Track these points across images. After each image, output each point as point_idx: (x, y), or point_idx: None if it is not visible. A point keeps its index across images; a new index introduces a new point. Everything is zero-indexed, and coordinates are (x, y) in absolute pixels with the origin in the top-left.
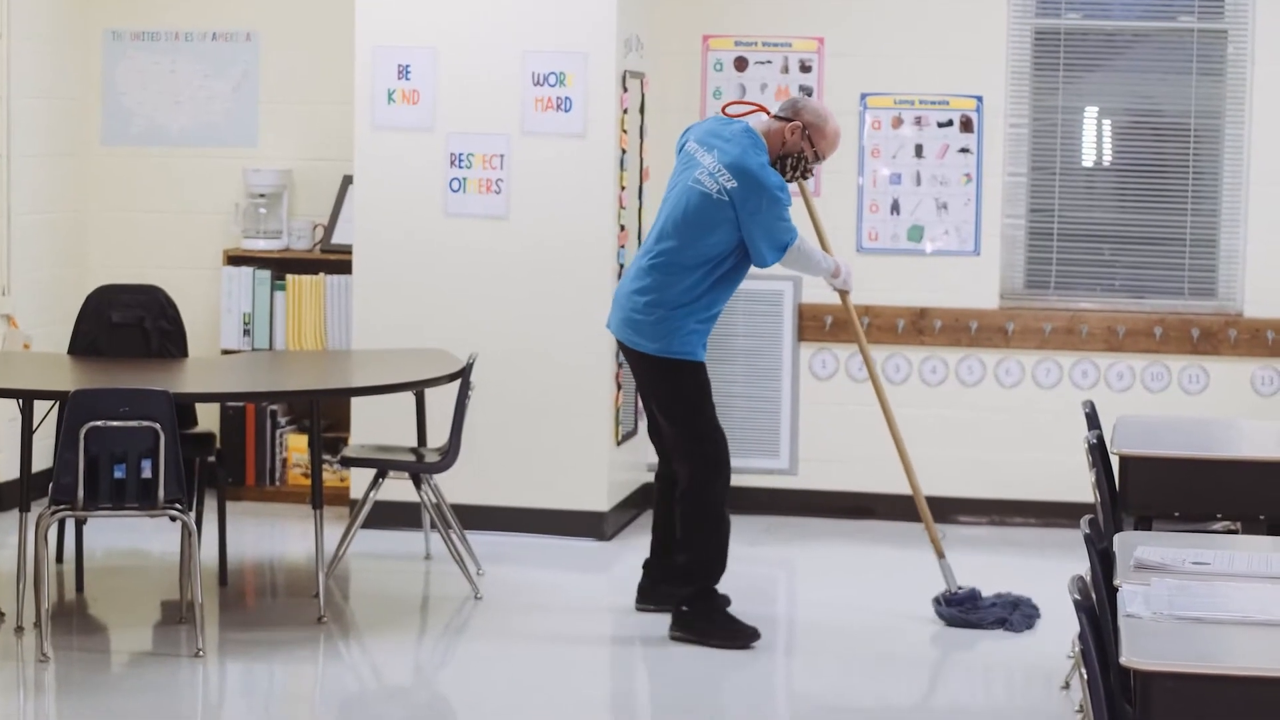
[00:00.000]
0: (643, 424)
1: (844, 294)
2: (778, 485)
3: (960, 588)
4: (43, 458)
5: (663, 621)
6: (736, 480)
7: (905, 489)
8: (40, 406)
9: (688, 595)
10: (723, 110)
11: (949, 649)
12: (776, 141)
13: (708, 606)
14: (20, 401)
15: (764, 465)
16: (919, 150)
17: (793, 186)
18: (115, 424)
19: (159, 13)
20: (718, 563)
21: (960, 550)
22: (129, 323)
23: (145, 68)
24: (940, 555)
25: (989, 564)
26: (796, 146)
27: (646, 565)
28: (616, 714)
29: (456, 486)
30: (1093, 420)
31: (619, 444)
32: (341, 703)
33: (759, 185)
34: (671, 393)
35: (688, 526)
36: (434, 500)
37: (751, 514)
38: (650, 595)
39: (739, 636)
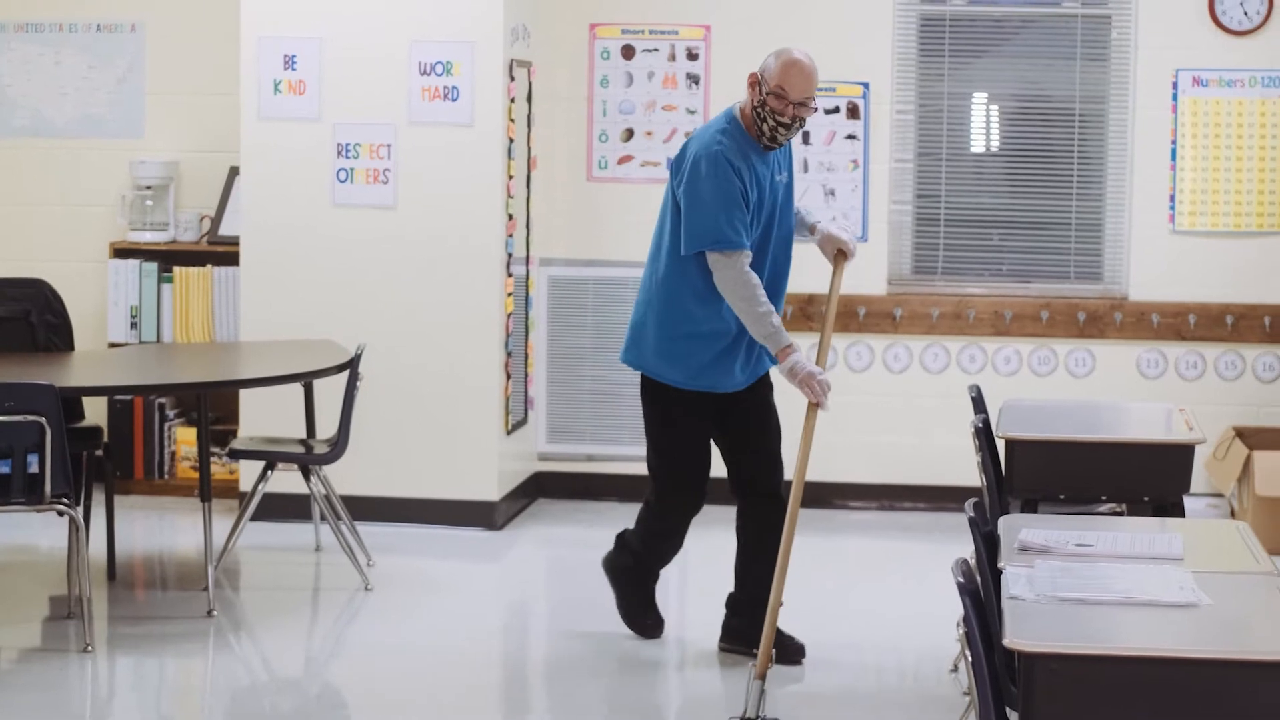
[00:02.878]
0: (533, 413)
1: (811, 405)
2: None
3: (762, 716)
4: None
5: (551, 611)
6: (629, 468)
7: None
8: None
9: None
10: None
11: (838, 634)
12: (749, 107)
13: (638, 582)
14: None
15: None
16: (805, 137)
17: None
18: (0, 419)
19: (43, 4)
20: (655, 560)
21: (850, 535)
22: (14, 316)
23: (29, 59)
24: (759, 676)
25: (878, 549)
26: (758, 100)
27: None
28: (508, 703)
29: (346, 477)
30: (979, 404)
31: (509, 433)
32: (232, 695)
33: (686, 156)
34: (643, 408)
35: (637, 525)
36: (323, 491)
37: (640, 501)
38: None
39: (642, 622)
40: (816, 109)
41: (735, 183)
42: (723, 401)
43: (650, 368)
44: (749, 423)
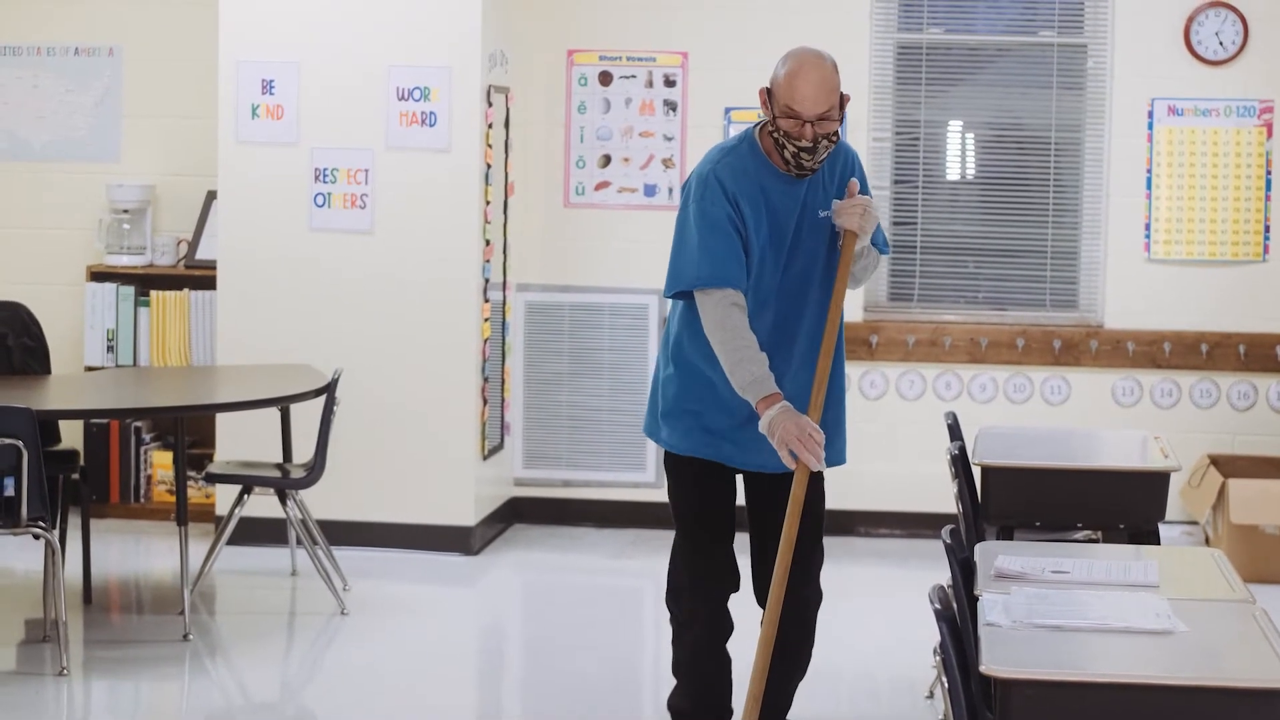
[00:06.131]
0: (509, 438)
1: (801, 470)
2: (643, 498)
3: None
4: None
5: (527, 636)
6: (603, 494)
7: None
8: None
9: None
10: None
11: (814, 659)
12: (767, 127)
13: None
14: None
15: (629, 478)
16: None
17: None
18: None
19: (21, 27)
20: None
21: (825, 561)
22: None
23: (7, 82)
24: None
25: (853, 575)
26: (771, 124)
27: None
28: None
29: (322, 502)
30: (955, 431)
31: (485, 458)
32: (208, 719)
33: (684, 189)
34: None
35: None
36: (299, 516)
37: (618, 527)
38: None
39: None
40: (843, 119)
41: (724, 208)
42: (751, 480)
43: (659, 435)
44: (773, 524)
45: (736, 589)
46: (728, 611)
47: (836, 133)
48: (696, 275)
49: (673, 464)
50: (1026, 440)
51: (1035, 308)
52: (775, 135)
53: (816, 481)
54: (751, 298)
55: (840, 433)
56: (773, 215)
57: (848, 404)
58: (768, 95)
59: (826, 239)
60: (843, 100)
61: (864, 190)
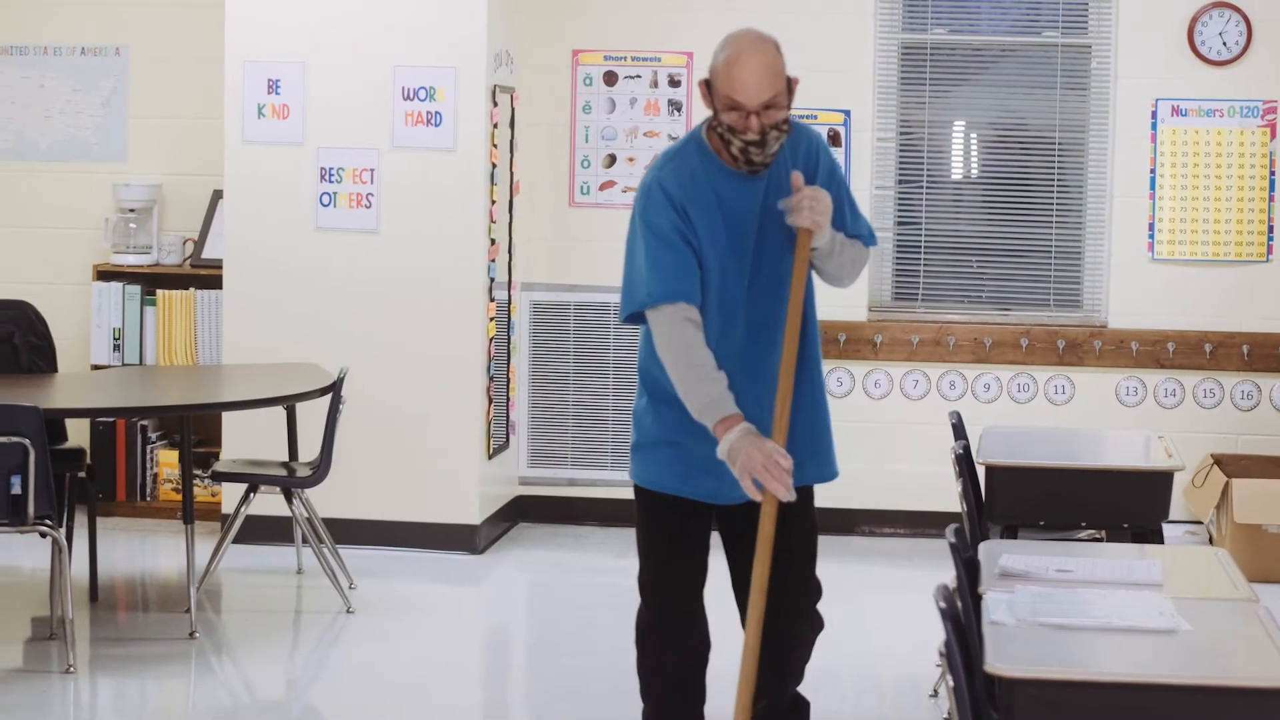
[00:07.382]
0: (514, 437)
1: (769, 501)
2: None
3: None
4: None
5: (532, 635)
6: (610, 492)
7: None
8: None
9: None
10: None
11: (817, 659)
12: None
13: None
14: None
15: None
16: None
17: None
18: None
19: (27, 27)
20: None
21: (829, 561)
22: None
23: (14, 82)
24: None
25: (857, 574)
26: (715, 118)
27: None
28: None
29: (328, 501)
30: (959, 430)
31: (490, 457)
32: (214, 717)
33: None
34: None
35: None
36: (305, 514)
37: (623, 525)
38: None
39: None
40: (790, 104)
41: (669, 218)
42: (729, 515)
43: (632, 468)
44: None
45: (707, 647)
46: (701, 678)
47: (787, 120)
48: (648, 293)
49: (644, 496)
50: (1030, 440)
51: (1039, 307)
52: (719, 130)
53: (805, 511)
54: (718, 313)
55: (825, 445)
56: (730, 219)
57: (849, 406)
58: (707, 87)
59: (785, 226)
60: (790, 85)
61: (832, 178)
